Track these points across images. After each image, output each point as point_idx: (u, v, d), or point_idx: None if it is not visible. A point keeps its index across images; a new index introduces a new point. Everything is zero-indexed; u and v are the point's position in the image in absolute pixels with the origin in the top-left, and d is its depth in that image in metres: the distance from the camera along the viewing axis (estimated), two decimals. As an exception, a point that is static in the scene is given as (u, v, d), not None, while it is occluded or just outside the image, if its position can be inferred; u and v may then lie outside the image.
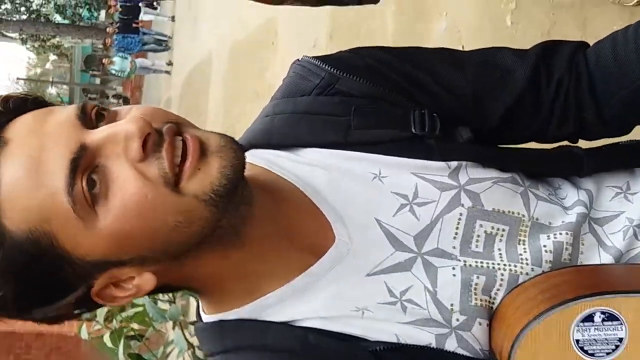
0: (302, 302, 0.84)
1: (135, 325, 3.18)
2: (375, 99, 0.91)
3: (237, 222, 0.79)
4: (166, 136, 0.73)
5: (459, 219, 0.87)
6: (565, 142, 0.98)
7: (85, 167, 0.72)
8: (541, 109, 0.94)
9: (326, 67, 0.92)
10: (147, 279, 0.78)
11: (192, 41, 13.27)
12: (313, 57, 0.94)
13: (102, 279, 0.76)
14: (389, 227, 0.86)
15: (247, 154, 0.85)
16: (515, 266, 0.86)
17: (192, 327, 2.91)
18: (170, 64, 16.40)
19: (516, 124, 0.95)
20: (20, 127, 0.74)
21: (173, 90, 15.12)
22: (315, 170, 0.89)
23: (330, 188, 0.88)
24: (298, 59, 0.96)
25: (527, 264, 0.86)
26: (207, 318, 0.87)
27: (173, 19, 16.97)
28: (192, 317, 3.25)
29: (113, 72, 16.47)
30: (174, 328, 2.97)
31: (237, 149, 0.75)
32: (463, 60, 0.96)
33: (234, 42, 9.28)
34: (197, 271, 0.82)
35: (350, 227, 0.86)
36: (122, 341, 3.07)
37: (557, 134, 0.95)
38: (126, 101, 19.12)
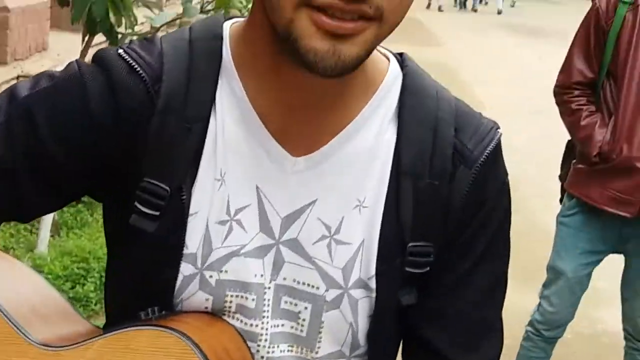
0: (242, 120, 0.87)
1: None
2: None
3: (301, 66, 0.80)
4: (358, 9, 0.76)
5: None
6: None
7: None
8: None
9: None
10: None
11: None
12: None
13: None
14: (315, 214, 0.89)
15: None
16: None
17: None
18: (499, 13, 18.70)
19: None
20: None
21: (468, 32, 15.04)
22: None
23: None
24: None
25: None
26: (229, 25, 0.91)
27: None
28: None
29: None
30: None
31: (348, 68, 0.79)
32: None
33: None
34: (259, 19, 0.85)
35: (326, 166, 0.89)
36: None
37: None
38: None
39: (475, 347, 0.94)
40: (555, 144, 2.80)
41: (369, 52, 0.80)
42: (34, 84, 0.89)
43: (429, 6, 18.62)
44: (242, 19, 0.93)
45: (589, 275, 2.77)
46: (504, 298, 0.97)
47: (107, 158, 0.87)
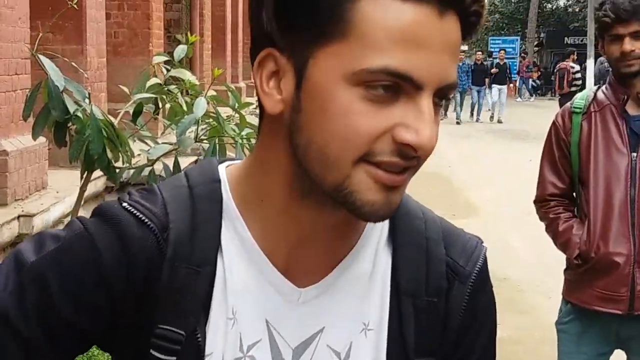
0: (249, 260, 0.89)
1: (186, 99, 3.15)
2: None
3: (325, 204, 0.85)
4: (410, 165, 0.82)
5: None
6: None
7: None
8: None
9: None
10: (278, 100, 0.84)
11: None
12: None
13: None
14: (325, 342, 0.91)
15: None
16: None
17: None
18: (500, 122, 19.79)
19: None
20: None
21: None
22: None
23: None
24: None
25: None
26: (223, 167, 0.93)
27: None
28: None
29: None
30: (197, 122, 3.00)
31: (394, 213, 0.86)
32: None
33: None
34: (279, 154, 0.86)
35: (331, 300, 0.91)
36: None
37: None
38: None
39: None
40: (553, 245, 2.84)
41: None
42: (39, 247, 0.89)
43: None
44: (236, 161, 0.96)
45: None
46: None
47: (121, 310, 0.88)
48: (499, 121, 19.64)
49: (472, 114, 20.85)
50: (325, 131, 0.81)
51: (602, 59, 15.84)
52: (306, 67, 0.81)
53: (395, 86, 0.79)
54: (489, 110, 21.13)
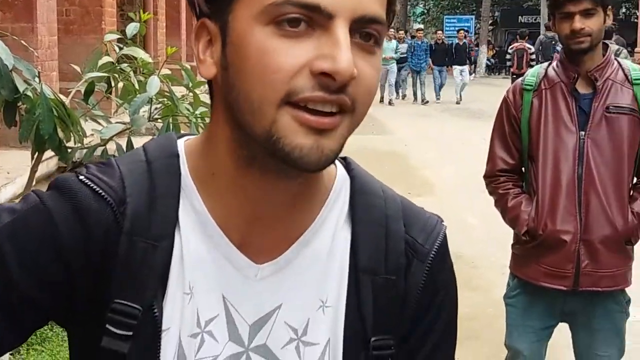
0: (205, 234, 0.89)
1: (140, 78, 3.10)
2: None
3: (268, 164, 0.84)
4: (336, 100, 0.80)
5: None
6: None
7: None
8: None
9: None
10: (211, 64, 0.85)
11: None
12: None
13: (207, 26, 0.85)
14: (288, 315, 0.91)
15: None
16: None
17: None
18: (458, 102, 19.13)
19: None
20: None
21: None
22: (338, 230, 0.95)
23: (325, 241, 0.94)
24: None
25: None
26: (182, 142, 0.93)
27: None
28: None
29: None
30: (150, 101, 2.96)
31: (329, 161, 0.82)
32: None
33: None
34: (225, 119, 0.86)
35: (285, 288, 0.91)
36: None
37: None
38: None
39: None
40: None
41: (343, 146, 0.84)
42: None
43: (382, 100, 19.09)
44: (194, 136, 0.96)
45: (545, 346, 2.82)
46: None
47: (78, 285, 0.87)
48: (457, 102, 19.67)
49: (438, 95, 20.68)
50: (247, 77, 0.80)
51: (541, 37, 16.02)
52: (227, 23, 0.82)
53: (307, 19, 0.79)
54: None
